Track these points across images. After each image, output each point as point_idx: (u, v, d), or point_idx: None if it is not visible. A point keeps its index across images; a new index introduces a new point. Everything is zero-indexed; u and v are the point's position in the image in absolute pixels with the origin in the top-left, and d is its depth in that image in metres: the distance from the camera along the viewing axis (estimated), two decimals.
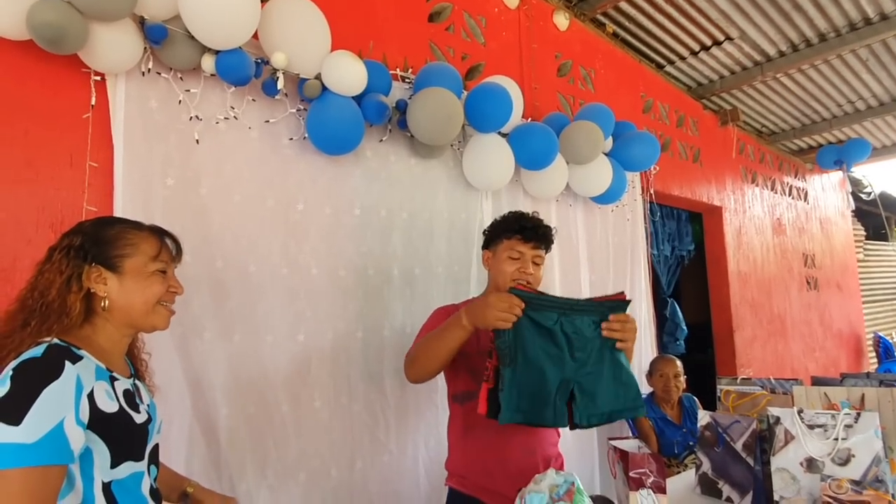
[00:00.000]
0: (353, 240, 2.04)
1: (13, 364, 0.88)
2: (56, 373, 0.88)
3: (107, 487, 0.95)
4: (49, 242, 1.48)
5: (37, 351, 0.90)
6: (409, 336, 2.11)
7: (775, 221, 5.03)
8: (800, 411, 1.39)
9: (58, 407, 0.86)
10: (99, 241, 1.02)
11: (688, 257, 4.42)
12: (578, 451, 2.67)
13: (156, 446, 1.10)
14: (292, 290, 1.87)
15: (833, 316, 5.66)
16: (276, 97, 1.84)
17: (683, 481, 1.78)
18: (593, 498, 1.24)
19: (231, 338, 1.73)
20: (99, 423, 0.92)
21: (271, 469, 1.77)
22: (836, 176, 6.14)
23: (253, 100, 1.84)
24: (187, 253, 1.65)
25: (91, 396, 0.92)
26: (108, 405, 0.95)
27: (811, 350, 5.23)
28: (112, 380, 0.99)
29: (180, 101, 1.69)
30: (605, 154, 2.78)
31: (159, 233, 1.10)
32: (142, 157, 1.61)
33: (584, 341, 1.41)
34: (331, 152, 1.95)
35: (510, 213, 1.72)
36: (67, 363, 0.90)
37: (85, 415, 0.90)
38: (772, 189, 5.10)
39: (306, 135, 1.91)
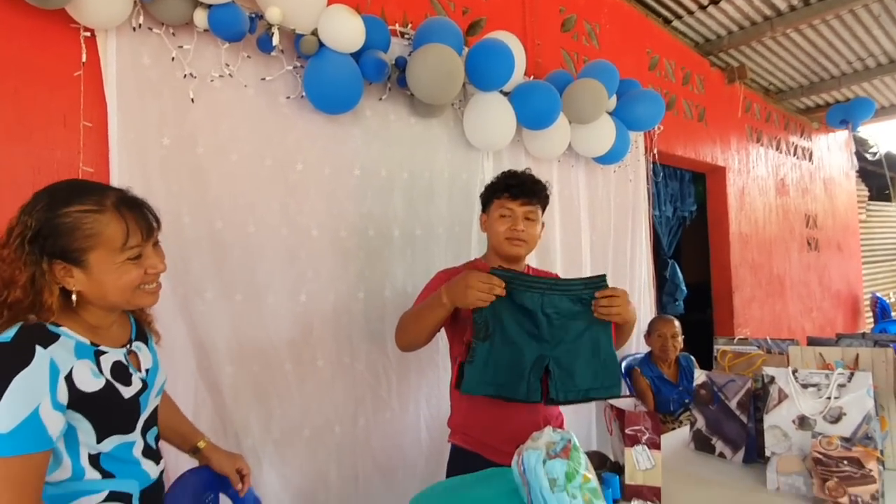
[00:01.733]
0: (354, 200, 2.03)
1: None
2: (26, 360, 0.84)
3: (94, 459, 0.95)
4: None
5: (7, 335, 0.86)
6: (411, 296, 2.12)
7: (779, 182, 4.99)
8: (794, 371, 1.41)
9: (31, 394, 0.83)
10: (54, 232, 0.89)
11: (689, 218, 4.40)
12: (575, 408, 2.71)
13: (155, 410, 1.09)
14: (293, 250, 1.87)
15: (832, 276, 5.68)
16: (272, 54, 1.79)
17: (677, 437, 1.83)
18: (589, 454, 1.28)
19: (233, 298, 1.74)
20: (80, 402, 0.90)
21: (276, 425, 1.81)
22: (841, 135, 6.05)
23: (248, 56, 1.79)
24: (186, 214, 1.66)
25: (70, 377, 0.88)
26: (91, 384, 0.91)
27: (808, 310, 5.27)
28: (98, 354, 0.95)
29: (173, 58, 1.65)
30: (609, 113, 2.73)
31: (124, 212, 0.94)
32: (136, 116, 1.58)
33: (564, 320, 1.42)
34: (329, 111, 1.91)
35: (501, 173, 1.70)
36: (38, 348, 0.86)
37: (63, 397, 0.87)
38: (777, 149, 5.03)
39: (304, 93, 1.87)
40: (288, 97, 1.87)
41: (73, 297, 0.93)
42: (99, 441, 0.94)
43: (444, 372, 2.23)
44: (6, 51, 1.45)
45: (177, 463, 1.31)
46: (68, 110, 1.53)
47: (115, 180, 1.54)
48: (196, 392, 1.66)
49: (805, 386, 1.40)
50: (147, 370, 1.07)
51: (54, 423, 0.86)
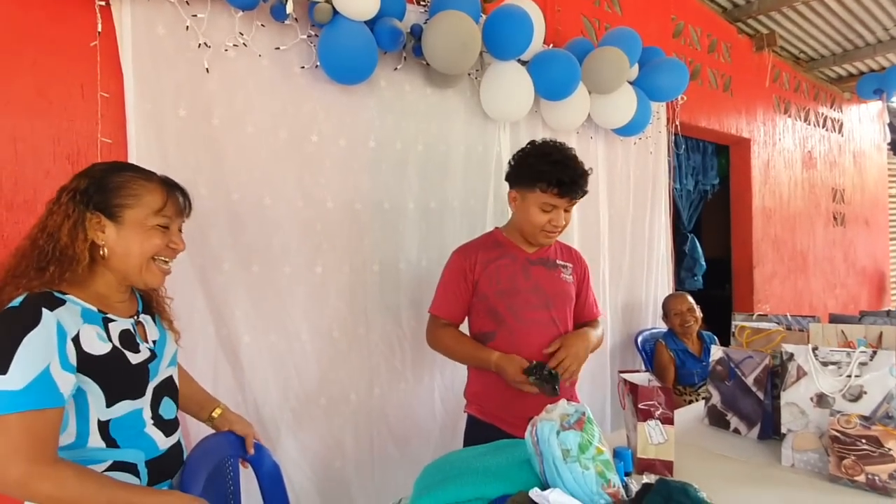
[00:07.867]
0: (369, 173, 2.02)
1: None
2: (34, 321, 0.89)
3: (104, 426, 0.98)
4: (67, 174, 1.49)
5: (15, 302, 0.93)
6: (425, 270, 2.13)
7: (806, 155, 4.83)
8: (814, 348, 1.39)
9: (41, 353, 0.88)
10: (103, 187, 1.00)
11: (711, 192, 4.30)
12: (591, 384, 2.73)
13: (168, 379, 1.11)
14: (308, 222, 1.87)
15: (858, 252, 5.55)
16: (286, 22, 1.76)
17: (692, 412, 1.82)
18: None
19: (249, 269, 1.76)
20: (88, 365, 0.94)
21: (293, 394, 1.85)
22: (874, 106, 5.82)
23: (262, 25, 1.76)
24: (202, 185, 1.67)
25: (77, 340, 0.93)
26: (98, 347, 0.96)
27: (831, 287, 5.17)
28: (106, 322, 1.00)
29: (188, 27, 1.63)
30: (630, 83, 2.65)
31: (168, 186, 1.07)
32: (152, 86, 1.58)
33: None
34: (344, 81, 1.89)
35: (545, 153, 1.56)
36: (45, 310, 0.91)
37: (73, 358, 0.92)
38: (805, 120, 4.86)
39: (318, 63, 1.84)
40: (302, 67, 1.85)
41: (103, 251, 1.00)
42: (109, 405, 0.98)
43: None
44: (23, 22, 1.45)
45: (197, 432, 1.35)
46: (86, 81, 1.53)
47: (133, 151, 1.55)
48: (215, 361, 1.69)
49: (825, 363, 1.37)
50: (154, 341, 1.11)
51: (65, 382, 0.90)
